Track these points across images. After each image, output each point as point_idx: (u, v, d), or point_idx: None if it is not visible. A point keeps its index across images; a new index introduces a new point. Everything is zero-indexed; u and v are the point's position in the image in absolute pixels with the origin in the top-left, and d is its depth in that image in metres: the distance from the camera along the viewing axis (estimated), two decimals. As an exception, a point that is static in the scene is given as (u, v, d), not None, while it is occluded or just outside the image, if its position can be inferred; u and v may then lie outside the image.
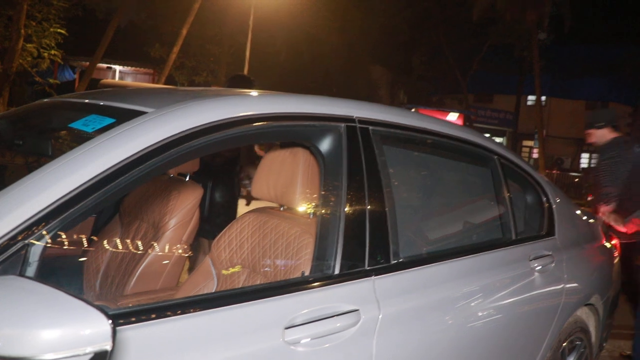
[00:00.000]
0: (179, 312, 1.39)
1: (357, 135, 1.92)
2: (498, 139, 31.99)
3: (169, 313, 1.38)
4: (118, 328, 1.19)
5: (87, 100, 2.01)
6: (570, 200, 3.39)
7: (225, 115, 1.60)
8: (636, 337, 4.08)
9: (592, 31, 36.75)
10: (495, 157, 2.65)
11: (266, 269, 2.09)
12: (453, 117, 19.26)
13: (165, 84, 19.67)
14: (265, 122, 1.69)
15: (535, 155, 27.85)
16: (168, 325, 1.36)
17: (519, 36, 28.66)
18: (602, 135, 4.67)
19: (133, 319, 1.30)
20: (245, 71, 20.26)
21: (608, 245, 3.56)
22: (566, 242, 2.95)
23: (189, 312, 1.41)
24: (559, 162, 28.55)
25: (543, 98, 30.65)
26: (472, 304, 2.20)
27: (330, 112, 1.91)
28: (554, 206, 2.95)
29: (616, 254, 3.64)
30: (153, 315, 1.33)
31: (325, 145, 1.87)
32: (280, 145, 2.14)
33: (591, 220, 3.57)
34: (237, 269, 2.23)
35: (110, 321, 1.07)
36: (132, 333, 1.29)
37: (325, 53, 26.09)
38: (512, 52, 30.55)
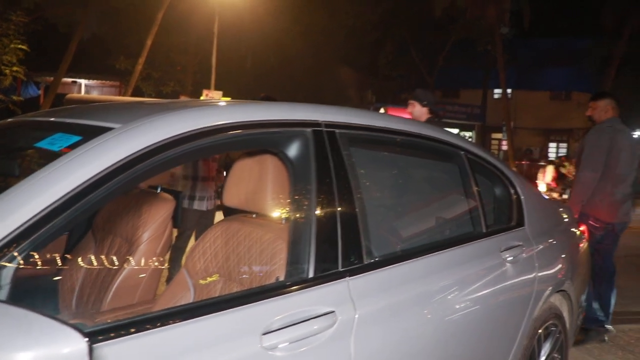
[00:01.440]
0: (155, 325, 1.39)
1: (323, 139, 1.94)
2: (467, 133, 32.43)
3: (147, 326, 1.38)
4: (95, 345, 1.19)
5: (52, 119, 2.00)
6: (538, 190, 3.47)
7: (192, 127, 1.61)
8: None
9: (552, 25, 37.52)
10: (462, 152, 2.70)
11: (242, 276, 2.11)
12: (421, 114, 19.50)
13: (132, 95, 19.49)
14: (231, 132, 1.70)
15: (504, 147, 28.25)
16: (145, 340, 1.36)
17: (482, 31, 29.09)
18: (420, 113, 4.93)
19: (110, 335, 1.30)
20: (212, 79, 20.19)
21: (577, 232, 3.65)
22: (536, 232, 3.01)
23: (166, 325, 1.41)
24: (529, 153, 29.00)
25: (509, 91, 31.15)
26: (448, 298, 2.24)
27: (295, 118, 1.93)
28: (522, 197, 3.01)
29: (585, 240, 3.73)
30: (131, 330, 1.33)
31: (292, 150, 1.89)
32: (249, 153, 2.16)
33: (560, 209, 3.66)
34: (213, 278, 2.24)
35: (87, 339, 1.07)
36: (110, 349, 1.29)
37: (291, 57, 26.10)
38: (476, 47, 30.98)
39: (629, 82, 29.51)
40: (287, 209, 1.95)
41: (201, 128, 1.64)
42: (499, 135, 35.97)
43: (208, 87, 20.01)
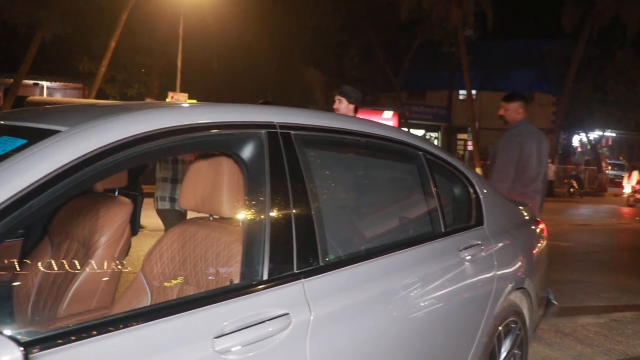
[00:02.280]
0: (100, 332, 1.36)
1: (278, 140, 1.93)
2: (433, 134, 32.84)
3: (92, 333, 1.35)
4: (32, 355, 1.16)
5: None
6: (497, 190, 3.51)
7: (141, 130, 1.58)
8: None
9: (514, 27, 38.28)
10: (421, 152, 2.71)
11: (198, 280, 2.09)
12: (388, 115, 19.62)
13: (96, 98, 19.16)
14: (182, 134, 1.68)
15: (470, 148, 28.69)
16: (87, 348, 1.33)
17: (447, 33, 29.49)
18: (347, 110, 4.85)
19: (48, 344, 1.27)
20: (178, 81, 20.00)
21: (537, 230, 3.71)
22: (495, 231, 3.05)
23: (110, 332, 1.38)
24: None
25: (474, 92, 31.66)
26: (405, 298, 2.25)
27: (249, 120, 1.92)
28: (481, 197, 3.04)
29: (545, 238, 3.79)
30: (71, 338, 1.30)
31: (247, 152, 1.88)
32: (205, 155, 2.14)
33: (520, 207, 3.71)
34: (170, 282, 2.21)
35: (22, 349, 1.05)
36: (49, 359, 1.25)
37: (257, 59, 26.03)
38: (441, 49, 31.38)
39: (589, 82, 30.28)
40: (242, 211, 1.94)
41: (151, 131, 1.61)
42: (464, 136, 36.49)
43: (174, 90, 19.83)
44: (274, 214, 1.84)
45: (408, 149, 2.66)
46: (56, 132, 1.54)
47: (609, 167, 35.22)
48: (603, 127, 33.48)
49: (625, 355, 4.45)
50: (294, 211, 1.89)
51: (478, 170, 25.12)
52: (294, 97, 26.32)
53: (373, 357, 2.07)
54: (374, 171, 2.91)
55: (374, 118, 18.82)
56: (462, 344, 2.69)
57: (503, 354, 3.05)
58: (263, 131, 1.92)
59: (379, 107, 26.07)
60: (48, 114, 1.85)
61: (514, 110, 4.86)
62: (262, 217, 1.83)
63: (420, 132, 30.16)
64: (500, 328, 2.97)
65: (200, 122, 1.76)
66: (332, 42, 29.31)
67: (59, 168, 1.41)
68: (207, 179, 2.08)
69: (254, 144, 1.89)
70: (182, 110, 1.79)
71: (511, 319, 3.09)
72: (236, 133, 1.87)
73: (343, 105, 4.85)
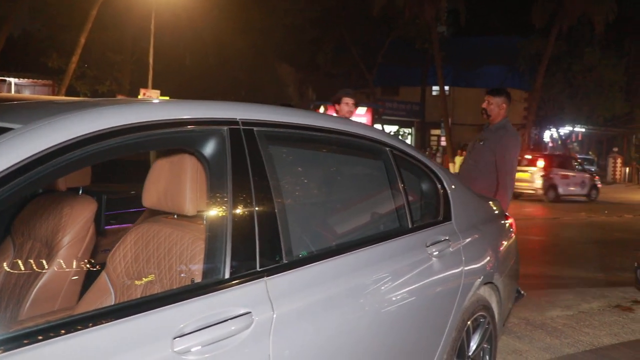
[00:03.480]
0: (58, 333, 1.33)
1: (241, 137, 1.91)
2: (407, 130, 33.03)
3: (49, 335, 1.32)
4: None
5: None
6: (465, 185, 3.53)
7: (98, 127, 1.55)
8: None
9: (487, 24, 38.70)
10: (388, 148, 2.71)
11: (162, 279, 2.05)
12: (361, 111, 19.62)
13: (66, 95, 18.86)
14: (140, 132, 1.64)
15: (443, 143, 28.95)
16: (44, 350, 1.30)
17: (420, 30, 29.69)
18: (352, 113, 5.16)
19: (6, 347, 1.24)
20: (150, 78, 19.78)
21: (506, 225, 3.75)
22: (463, 226, 3.07)
23: (70, 332, 1.35)
24: (464, 148, 29.71)
25: (446, 88, 31.94)
26: (371, 294, 2.24)
27: (211, 116, 1.89)
28: (449, 192, 3.05)
29: (514, 233, 3.83)
30: (24, 342, 1.27)
31: (208, 149, 1.85)
32: (167, 152, 2.10)
33: (488, 203, 3.74)
34: (133, 281, 2.18)
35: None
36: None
37: (230, 54, 25.86)
38: (414, 45, 31.57)
39: (558, 79, 30.77)
40: (205, 209, 1.91)
41: (109, 128, 1.57)
42: (437, 132, 36.77)
43: (146, 86, 19.60)
44: (236, 211, 1.82)
45: (375, 145, 2.66)
46: (9, 129, 1.50)
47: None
48: (573, 123, 34.04)
49: (592, 345, 4.53)
50: (256, 209, 1.87)
51: (454, 164, 25.38)
52: (268, 93, 26.21)
53: (339, 354, 2.07)
54: (340, 168, 2.90)
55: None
56: (430, 339, 2.70)
57: (472, 348, 3.07)
58: (225, 128, 1.89)
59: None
60: (4, 111, 1.80)
61: (497, 105, 4.87)
62: (224, 215, 1.81)
63: (393, 128, 30.32)
64: (469, 322, 2.99)
65: (159, 119, 1.73)
66: (305, 38, 29.28)
67: (11, 167, 1.37)
68: (170, 176, 2.05)
69: (216, 141, 1.86)
70: (139, 108, 1.75)
71: (480, 313, 3.11)
72: (197, 130, 1.84)
73: (350, 106, 5.06)
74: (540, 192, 19.46)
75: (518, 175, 20.75)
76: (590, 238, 11.67)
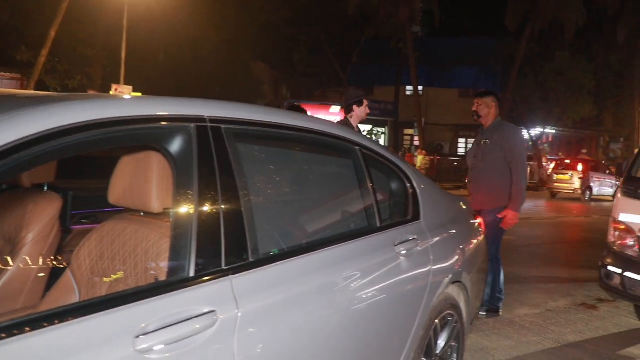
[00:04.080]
0: (17, 332, 1.31)
1: (208, 134, 1.90)
2: (380, 129, 33.17)
3: (12, 332, 1.30)
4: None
5: None
6: (435, 185, 3.56)
7: (60, 123, 1.51)
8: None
9: (461, 25, 39.09)
10: (357, 147, 2.71)
11: (127, 277, 2.03)
12: (335, 110, 19.69)
13: (35, 89, 18.48)
14: (105, 128, 1.62)
15: (416, 143, 29.17)
16: (2, 349, 1.27)
17: (395, 30, 29.86)
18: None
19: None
20: (122, 73, 19.51)
21: (475, 224, 3.78)
22: (432, 225, 3.09)
23: (29, 331, 1.33)
24: (439, 148, 30.05)
25: (420, 88, 32.18)
26: (339, 293, 2.25)
27: (177, 113, 1.87)
28: (418, 192, 3.07)
29: (482, 232, 3.87)
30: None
31: (175, 146, 1.83)
32: (133, 149, 2.07)
33: (458, 202, 3.77)
34: (98, 279, 2.14)
35: None
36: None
37: (205, 51, 25.65)
38: (388, 45, 31.74)
39: (530, 81, 31.25)
40: (171, 206, 1.89)
41: (73, 124, 1.54)
42: (411, 131, 37.02)
43: (118, 82, 19.32)
44: (202, 209, 1.81)
45: (344, 143, 2.66)
46: None
47: (550, 163, 36.45)
48: (544, 124, 34.56)
49: (557, 343, 4.62)
50: (223, 207, 1.86)
51: (419, 158, 25.63)
52: (242, 91, 26.07)
53: (305, 352, 2.06)
54: (309, 166, 2.89)
55: (322, 113, 18.87)
56: (398, 337, 2.71)
57: (440, 346, 3.10)
58: (192, 125, 1.87)
59: (326, 101, 26.12)
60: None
61: (486, 105, 5.08)
62: (190, 212, 1.80)
63: (367, 127, 30.44)
64: (437, 321, 3.01)
65: (126, 115, 1.70)
66: (281, 36, 29.19)
67: None
68: (136, 173, 2.02)
69: (182, 138, 1.84)
70: (104, 103, 1.72)
71: (448, 312, 3.14)
72: (163, 127, 1.82)
73: (367, 109, 5.17)
74: (579, 192, 22.23)
75: (558, 177, 21.74)
76: (563, 237, 11.89)
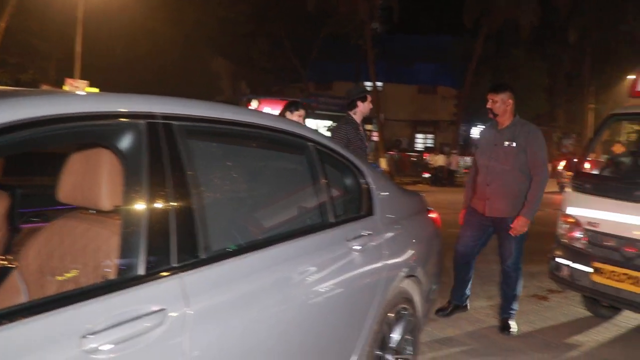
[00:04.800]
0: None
1: (158, 131, 1.88)
2: (340, 125, 33.25)
3: None
4: None
5: None
6: (390, 180, 3.60)
7: (6, 119, 1.48)
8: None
9: (420, 22, 39.49)
10: (310, 143, 2.72)
11: (77, 276, 2.00)
12: (294, 106, 19.63)
13: (-16, 83, 17.86)
14: (50, 125, 1.59)
15: (375, 138, 29.35)
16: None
17: (354, 26, 29.95)
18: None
19: None
20: (77, 67, 19.03)
21: (429, 219, 3.83)
22: (386, 221, 3.12)
23: None
24: (398, 144, 30.35)
25: (379, 84, 32.39)
26: (292, 288, 2.27)
27: (128, 110, 1.85)
28: (372, 187, 3.10)
29: (437, 227, 3.92)
30: None
31: (125, 143, 1.81)
32: (83, 146, 2.04)
33: (412, 198, 3.81)
34: (47, 279, 2.10)
35: None
36: None
37: (163, 46, 25.23)
38: (348, 41, 31.82)
39: (487, 78, 31.83)
40: (122, 204, 1.87)
41: (19, 120, 1.51)
42: (370, 127, 37.18)
43: (73, 76, 18.83)
44: (152, 207, 1.80)
45: (297, 139, 2.67)
46: None
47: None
48: (499, 120, 35.25)
49: (510, 334, 4.74)
50: (173, 204, 1.85)
51: (383, 161, 25.80)
52: (200, 86, 25.75)
53: (259, 348, 2.08)
54: (262, 163, 2.89)
55: (280, 108, 18.77)
56: (351, 331, 2.74)
57: (395, 340, 3.14)
58: (142, 122, 1.86)
59: (286, 97, 26.04)
60: None
61: (502, 102, 4.58)
62: (140, 210, 1.78)
63: (327, 123, 30.47)
64: (391, 315, 3.04)
65: (73, 112, 1.67)
66: (240, 32, 28.92)
67: None
68: (86, 170, 1.99)
69: (132, 135, 1.83)
70: (53, 100, 1.69)
71: (402, 305, 3.17)
72: (113, 124, 1.80)
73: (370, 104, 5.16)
74: None
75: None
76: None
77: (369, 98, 5.18)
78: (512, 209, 4.54)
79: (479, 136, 4.99)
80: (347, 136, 4.93)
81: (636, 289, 4.28)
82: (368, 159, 5.34)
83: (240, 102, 18.45)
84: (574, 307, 5.65)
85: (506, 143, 4.53)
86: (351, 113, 5.12)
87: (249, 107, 15.89)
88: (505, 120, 4.61)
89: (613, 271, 4.45)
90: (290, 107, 5.24)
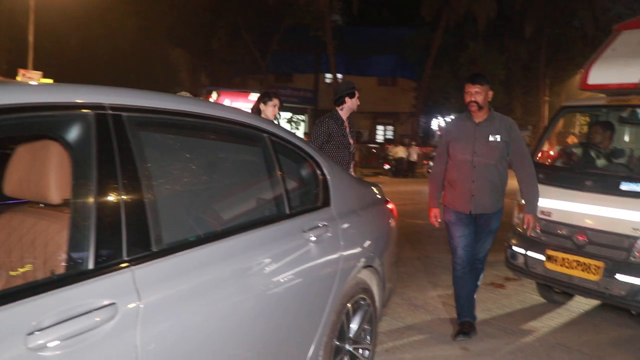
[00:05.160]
0: None
1: (108, 123, 1.84)
2: (300, 117, 33.26)
3: None
4: None
5: None
6: (345, 171, 3.60)
7: None
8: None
9: (379, 14, 39.71)
10: (265, 135, 2.70)
11: (25, 271, 1.95)
12: (254, 97, 19.50)
13: None
14: None
15: (337, 131, 29.44)
16: None
17: (314, 17, 29.95)
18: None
19: None
20: (30, 58, 18.48)
21: (386, 210, 3.86)
22: (342, 212, 3.12)
23: None
24: (359, 135, 30.48)
25: (339, 75, 32.47)
26: (247, 280, 2.26)
27: (75, 101, 1.81)
28: (328, 178, 3.10)
29: (394, 218, 3.95)
30: None
31: (72, 135, 1.77)
32: (29, 138, 1.98)
33: (369, 188, 3.83)
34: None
35: None
36: None
37: (120, 37, 24.69)
38: (308, 32, 31.81)
39: (445, 70, 32.29)
40: (71, 197, 1.82)
41: None
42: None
43: (26, 67, 18.26)
44: (101, 200, 1.77)
45: (252, 131, 2.65)
46: None
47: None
48: (458, 112, 35.84)
49: (467, 322, 4.83)
50: (123, 197, 1.82)
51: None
52: (158, 78, 25.33)
53: (214, 341, 2.06)
54: (216, 154, 2.86)
55: (240, 100, 18.64)
56: (309, 322, 2.74)
57: (353, 330, 3.16)
58: (91, 113, 1.81)
59: (245, 89, 25.85)
60: None
61: (485, 93, 4.29)
62: (89, 203, 1.75)
63: (287, 115, 30.43)
64: (349, 305, 3.06)
65: (17, 102, 1.62)
66: (198, 22, 28.52)
67: None
68: (33, 163, 1.94)
69: (81, 127, 1.78)
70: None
71: (360, 296, 3.19)
72: (60, 115, 1.76)
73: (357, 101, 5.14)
74: None
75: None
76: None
77: (357, 94, 5.16)
78: (496, 203, 4.42)
79: (449, 129, 4.67)
80: (328, 130, 4.95)
81: (587, 275, 4.41)
82: (353, 156, 5.29)
83: (201, 94, 18.20)
84: (529, 294, 5.80)
85: (491, 138, 4.30)
86: (338, 109, 5.12)
87: (210, 99, 15.73)
88: (483, 113, 4.34)
89: (565, 258, 4.58)
90: (263, 98, 5.24)
